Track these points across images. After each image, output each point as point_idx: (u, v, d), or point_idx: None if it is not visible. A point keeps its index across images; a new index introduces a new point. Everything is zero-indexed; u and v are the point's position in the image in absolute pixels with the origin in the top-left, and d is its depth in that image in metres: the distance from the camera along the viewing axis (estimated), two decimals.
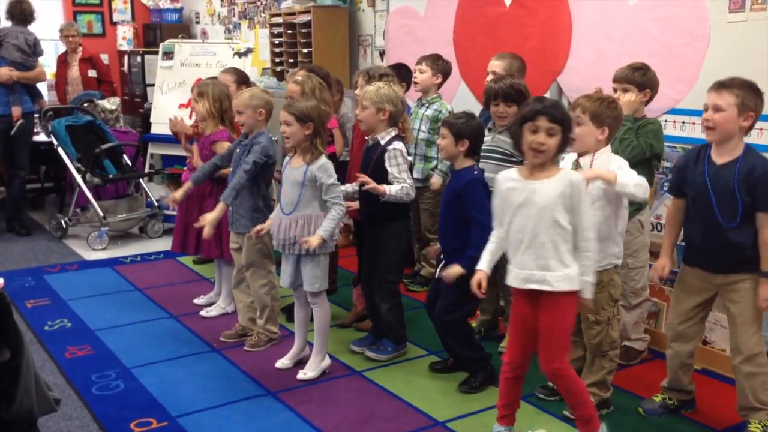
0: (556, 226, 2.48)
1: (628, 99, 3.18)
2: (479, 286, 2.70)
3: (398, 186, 3.29)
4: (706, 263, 2.80)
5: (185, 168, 4.53)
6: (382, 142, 3.35)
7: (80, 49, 6.75)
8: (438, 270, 3.26)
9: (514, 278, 2.60)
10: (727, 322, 2.89)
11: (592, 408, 2.66)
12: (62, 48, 7.01)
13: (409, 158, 3.42)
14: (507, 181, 2.60)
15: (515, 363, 2.68)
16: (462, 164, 3.18)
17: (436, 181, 4.23)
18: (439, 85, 4.39)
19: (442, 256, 3.28)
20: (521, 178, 2.56)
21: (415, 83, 4.38)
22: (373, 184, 3.25)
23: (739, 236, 2.68)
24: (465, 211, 3.10)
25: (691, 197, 2.80)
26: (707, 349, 3.45)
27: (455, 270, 3.05)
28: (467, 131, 3.12)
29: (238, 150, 3.58)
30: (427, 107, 4.35)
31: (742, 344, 2.76)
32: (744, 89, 2.61)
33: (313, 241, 3.11)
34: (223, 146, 3.78)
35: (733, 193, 2.64)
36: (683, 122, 3.61)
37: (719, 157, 2.71)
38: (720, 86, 2.65)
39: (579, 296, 2.54)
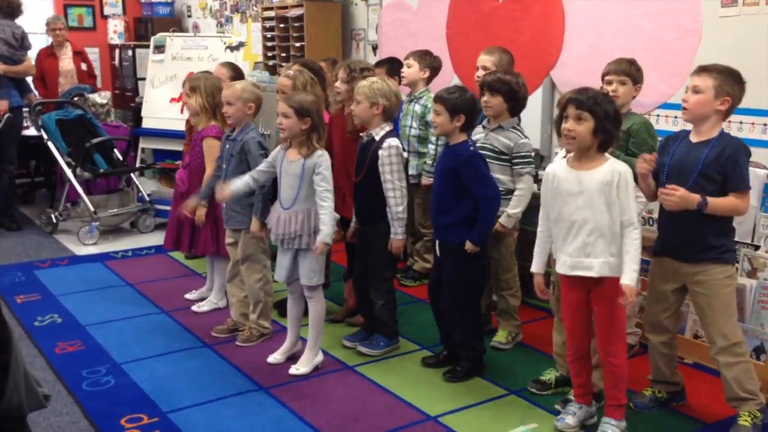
0: (602, 215, 2.56)
1: (624, 91, 3.17)
2: (541, 290, 2.81)
3: (393, 213, 3.27)
4: (673, 251, 2.81)
5: (178, 162, 4.51)
6: (377, 138, 3.32)
7: (68, 42, 6.68)
8: (436, 248, 3.26)
9: (562, 265, 2.69)
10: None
11: (625, 398, 2.76)
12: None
13: (405, 155, 3.38)
14: (556, 171, 2.68)
15: (572, 349, 2.80)
16: (457, 139, 3.17)
17: (426, 182, 4.22)
18: (428, 80, 4.38)
19: (434, 232, 3.29)
20: (570, 168, 2.63)
21: (403, 77, 4.37)
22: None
23: (705, 219, 2.66)
24: (467, 187, 3.10)
25: (665, 176, 2.77)
26: (698, 343, 3.46)
27: (470, 248, 3.10)
28: (462, 105, 3.10)
29: (227, 146, 3.55)
30: (415, 103, 4.35)
31: (717, 335, 2.76)
32: (723, 74, 2.66)
33: (320, 248, 3.13)
34: (209, 142, 3.76)
35: (702, 172, 2.65)
36: (675, 117, 3.62)
37: (695, 137, 2.75)
38: (701, 70, 2.71)
39: (620, 282, 2.56)
